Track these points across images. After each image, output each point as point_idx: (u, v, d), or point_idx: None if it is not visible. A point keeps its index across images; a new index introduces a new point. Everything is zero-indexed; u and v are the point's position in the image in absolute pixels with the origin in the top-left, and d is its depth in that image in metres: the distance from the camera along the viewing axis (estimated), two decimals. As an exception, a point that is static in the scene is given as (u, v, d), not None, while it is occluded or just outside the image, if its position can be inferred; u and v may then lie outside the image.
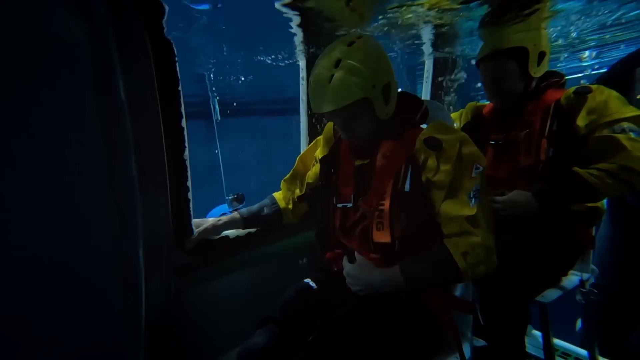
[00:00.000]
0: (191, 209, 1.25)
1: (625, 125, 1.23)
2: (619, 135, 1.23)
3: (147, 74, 1.05)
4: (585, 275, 1.50)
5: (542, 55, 1.36)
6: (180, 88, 1.17)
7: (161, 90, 1.10)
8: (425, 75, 2.08)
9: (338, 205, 1.12)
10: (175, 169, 1.18)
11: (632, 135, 1.22)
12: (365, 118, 1.00)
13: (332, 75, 0.93)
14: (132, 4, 1.01)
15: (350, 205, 1.09)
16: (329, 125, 1.25)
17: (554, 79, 1.43)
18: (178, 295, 1.21)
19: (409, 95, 1.11)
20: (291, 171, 1.36)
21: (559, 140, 1.33)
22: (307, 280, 1.18)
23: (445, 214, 0.95)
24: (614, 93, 1.30)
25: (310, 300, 1.12)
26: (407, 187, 0.98)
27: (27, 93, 0.87)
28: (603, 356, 1.66)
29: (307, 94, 0.99)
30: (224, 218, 1.30)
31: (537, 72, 1.38)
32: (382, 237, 0.99)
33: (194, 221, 1.28)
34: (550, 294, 1.40)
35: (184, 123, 1.20)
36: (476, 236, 0.92)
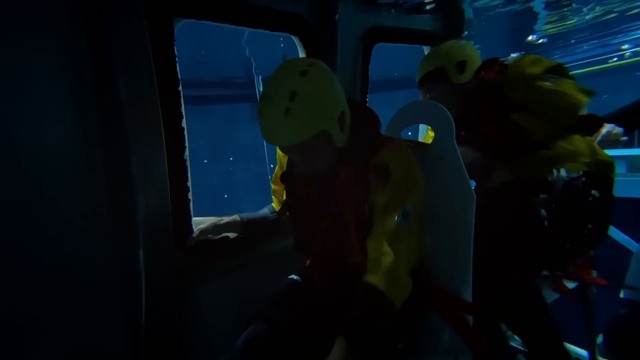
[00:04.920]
0: (191, 209, 1.25)
1: None
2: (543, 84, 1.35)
3: (147, 74, 1.05)
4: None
5: (462, 64, 1.44)
6: (180, 88, 1.17)
7: (161, 90, 1.10)
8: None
9: (310, 221, 1.14)
10: (175, 169, 1.18)
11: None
12: (323, 150, 0.98)
13: (288, 109, 0.88)
14: (133, 5, 1.01)
15: (322, 220, 1.11)
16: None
17: (493, 66, 1.50)
18: (178, 295, 1.21)
19: (360, 108, 1.10)
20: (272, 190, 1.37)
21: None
22: (292, 276, 1.20)
23: (372, 234, 0.97)
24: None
25: (296, 293, 1.14)
26: (366, 212, 1.00)
27: (28, 94, 0.88)
28: (603, 357, 1.66)
29: (259, 122, 0.94)
30: (225, 218, 1.29)
31: (462, 79, 1.46)
32: (357, 258, 1.02)
33: (195, 220, 1.28)
34: (550, 295, 1.40)
35: (184, 123, 1.20)
36: (390, 256, 0.92)
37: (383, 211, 0.97)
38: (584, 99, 1.36)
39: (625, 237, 2.41)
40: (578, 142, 1.39)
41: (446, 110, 1.12)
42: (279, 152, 1.25)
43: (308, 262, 1.25)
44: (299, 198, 1.16)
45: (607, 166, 1.42)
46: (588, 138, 1.46)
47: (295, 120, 0.89)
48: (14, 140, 0.86)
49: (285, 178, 1.17)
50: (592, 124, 1.43)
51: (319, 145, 0.96)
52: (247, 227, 1.30)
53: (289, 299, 1.12)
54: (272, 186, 1.33)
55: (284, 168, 1.22)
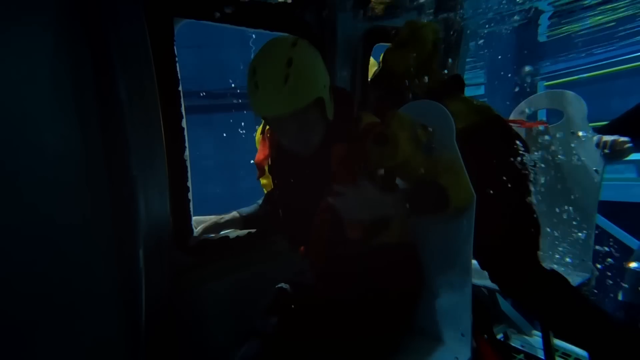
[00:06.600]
0: (191, 209, 1.25)
1: None
2: None
3: (147, 74, 1.06)
4: (586, 276, 1.50)
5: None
6: (180, 88, 1.18)
7: (161, 90, 1.10)
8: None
9: (304, 208, 1.11)
10: (175, 169, 1.18)
11: None
12: (318, 122, 1.00)
13: (287, 75, 0.89)
14: (133, 5, 1.01)
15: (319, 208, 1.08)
16: (258, 136, 1.25)
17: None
18: (178, 295, 1.22)
19: (333, 89, 1.09)
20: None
21: None
22: (281, 284, 1.19)
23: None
24: None
25: (287, 302, 1.12)
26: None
27: (27, 94, 0.88)
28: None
29: (252, 97, 0.95)
30: (225, 217, 1.30)
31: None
32: (356, 233, 1.02)
33: (195, 219, 1.28)
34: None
35: (184, 123, 1.20)
36: (446, 175, 1.00)
37: (411, 165, 1.02)
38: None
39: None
40: (455, 104, 1.32)
41: (446, 110, 1.12)
42: (258, 136, 1.24)
43: (302, 249, 1.22)
44: (288, 187, 1.15)
45: (489, 115, 1.36)
46: (468, 97, 1.43)
47: (295, 85, 0.90)
48: (13, 140, 0.86)
49: (273, 167, 1.18)
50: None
51: (314, 116, 0.98)
52: (247, 222, 1.31)
53: (281, 310, 1.11)
54: (261, 181, 1.33)
55: (262, 155, 1.22)
